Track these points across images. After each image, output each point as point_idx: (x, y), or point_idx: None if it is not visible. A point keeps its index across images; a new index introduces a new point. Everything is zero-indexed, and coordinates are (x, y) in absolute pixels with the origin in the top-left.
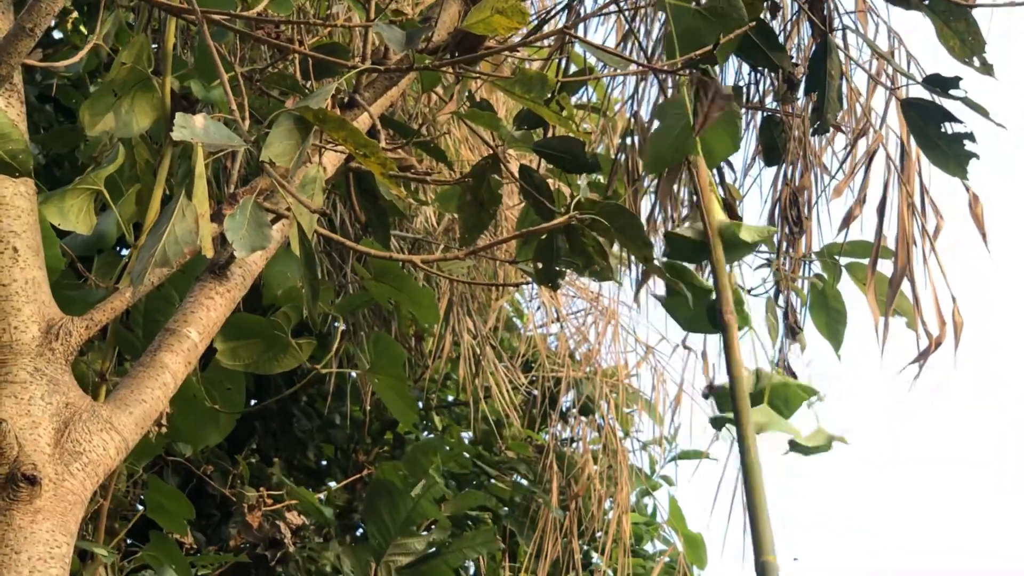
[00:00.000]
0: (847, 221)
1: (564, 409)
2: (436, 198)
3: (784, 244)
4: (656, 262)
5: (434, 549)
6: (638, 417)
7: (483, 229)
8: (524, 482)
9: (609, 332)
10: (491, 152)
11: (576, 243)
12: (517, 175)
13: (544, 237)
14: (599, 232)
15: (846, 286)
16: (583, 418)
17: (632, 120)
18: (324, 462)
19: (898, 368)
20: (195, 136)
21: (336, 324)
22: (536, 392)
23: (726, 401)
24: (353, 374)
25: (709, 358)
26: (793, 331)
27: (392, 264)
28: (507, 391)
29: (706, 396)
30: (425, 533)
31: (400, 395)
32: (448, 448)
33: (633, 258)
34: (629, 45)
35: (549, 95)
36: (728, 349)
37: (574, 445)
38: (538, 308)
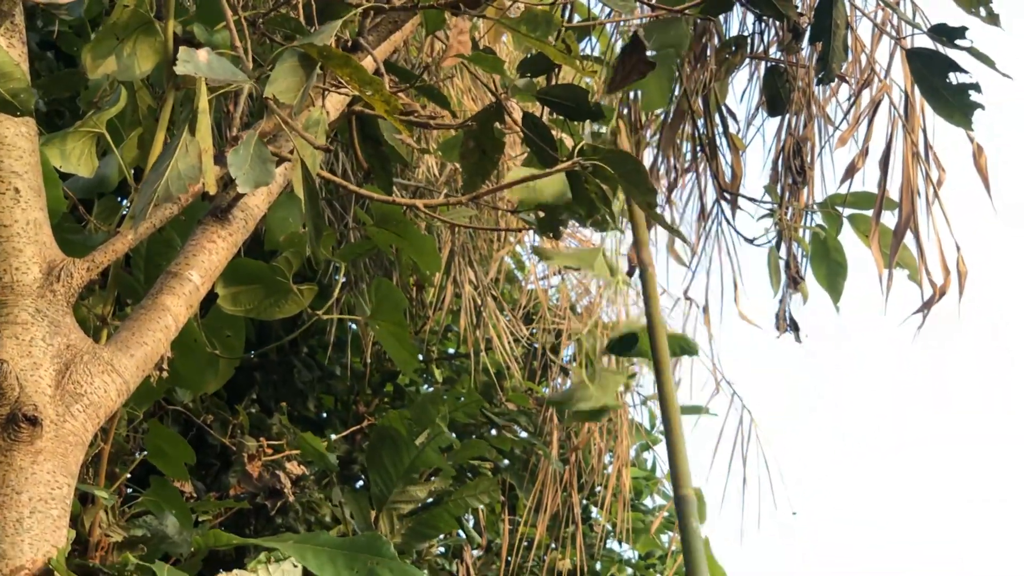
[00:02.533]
0: (850, 172)
1: (565, 362)
2: (439, 147)
3: (787, 194)
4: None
5: (436, 497)
6: (639, 371)
7: (486, 177)
8: (524, 434)
9: (611, 285)
10: (494, 99)
11: (579, 190)
12: (520, 123)
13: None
14: (602, 179)
15: (848, 237)
16: (583, 371)
17: None
18: (324, 413)
19: (902, 318)
20: (199, 70)
21: (337, 272)
22: (537, 344)
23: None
24: (353, 326)
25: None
26: (795, 281)
27: (394, 210)
28: (508, 343)
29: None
30: (427, 482)
31: (401, 342)
32: (459, 398)
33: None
34: None
35: (555, 34)
36: (647, 294)
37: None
38: (539, 260)
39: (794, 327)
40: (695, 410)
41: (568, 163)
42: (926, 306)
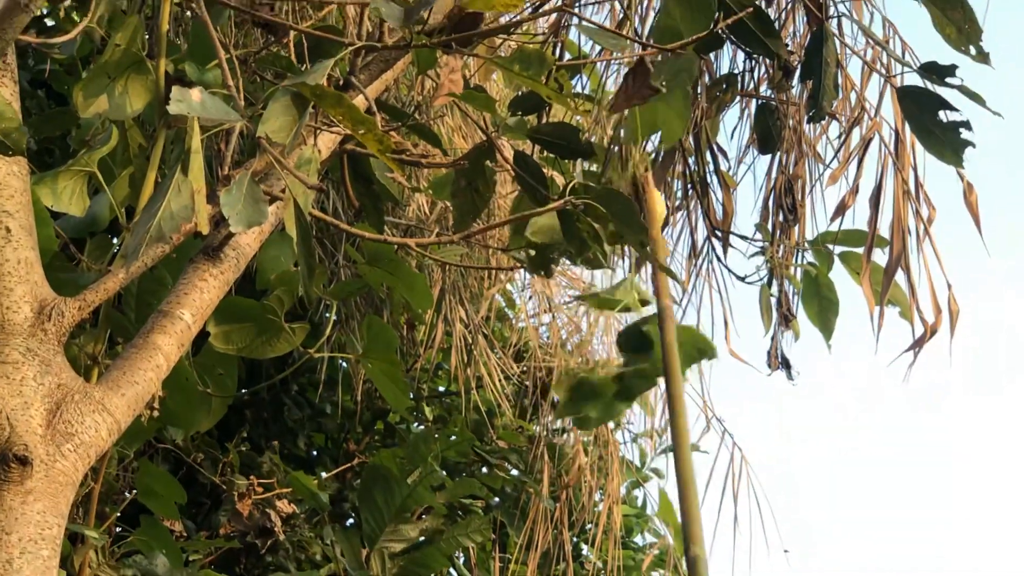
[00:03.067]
0: (840, 210)
1: (555, 399)
2: (429, 185)
3: (778, 232)
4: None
5: (428, 536)
6: (629, 408)
7: (477, 215)
8: (515, 472)
9: (601, 322)
10: (485, 138)
11: (570, 229)
12: (511, 161)
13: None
14: (594, 217)
15: (839, 275)
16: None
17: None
18: (315, 451)
19: (893, 357)
20: (191, 110)
21: (328, 311)
22: (528, 382)
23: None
24: (344, 364)
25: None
26: (786, 319)
27: (386, 248)
28: (499, 380)
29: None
30: (419, 520)
31: (393, 380)
32: (451, 437)
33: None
34: (624, 32)
35: (547, 73)
36: (665, 342)
37: (565, 436)
38: (530, 298)
39: (786, 365)
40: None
41: (560, 202)
42: (917, 344)
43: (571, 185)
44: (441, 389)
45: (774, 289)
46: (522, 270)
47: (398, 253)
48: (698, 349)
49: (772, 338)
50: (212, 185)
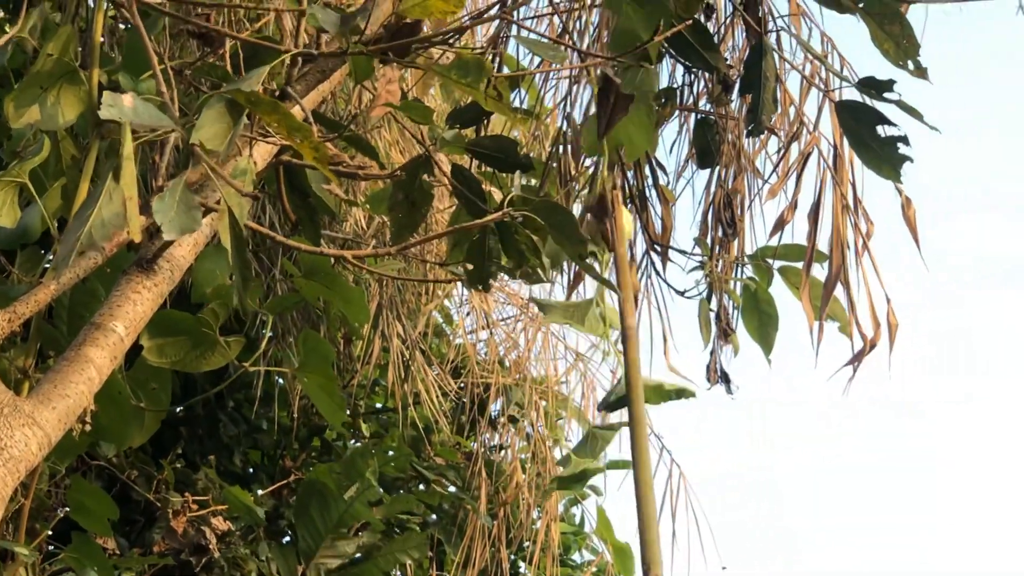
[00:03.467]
0: (779, 225)
1: (493, 416)
2: (366, 200)
3: (717, 246)
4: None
5: (365, 552)
6: (567, 426)
7: (415, 229)
8: (452, 489)
9: (539, 339)
10: (423, 151)
11: (509, 241)
12: (449, 174)
13: (476, 237)
14: (532, 229)
15: (779, 290)
16: (512, 426)
17: (565, 122)
18: (251, 468)
19: (832, 371)
20: (124, 115)
21: (264, 326)
22: (465, 399)
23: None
24: (280, 380)
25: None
26: (726, 333)
27: (323, 262)
28: (436, 397)
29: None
30: (356, 536)
31: (329, 394)
32: (389, 452)
33: (564, 262)
34: (563, 47)
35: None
36: (628, 360)
37: (503, 452)
38: (468, 314)
39: (725, 379)
40: (623, 465)
41: (498, 214)
42: (857, 358)
43: (509, 197)
44: (378, 406)
45: (713, 303)
46: (460, 286)
47: (335, 267)
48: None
49: (711, 352)
50: (146, 197)
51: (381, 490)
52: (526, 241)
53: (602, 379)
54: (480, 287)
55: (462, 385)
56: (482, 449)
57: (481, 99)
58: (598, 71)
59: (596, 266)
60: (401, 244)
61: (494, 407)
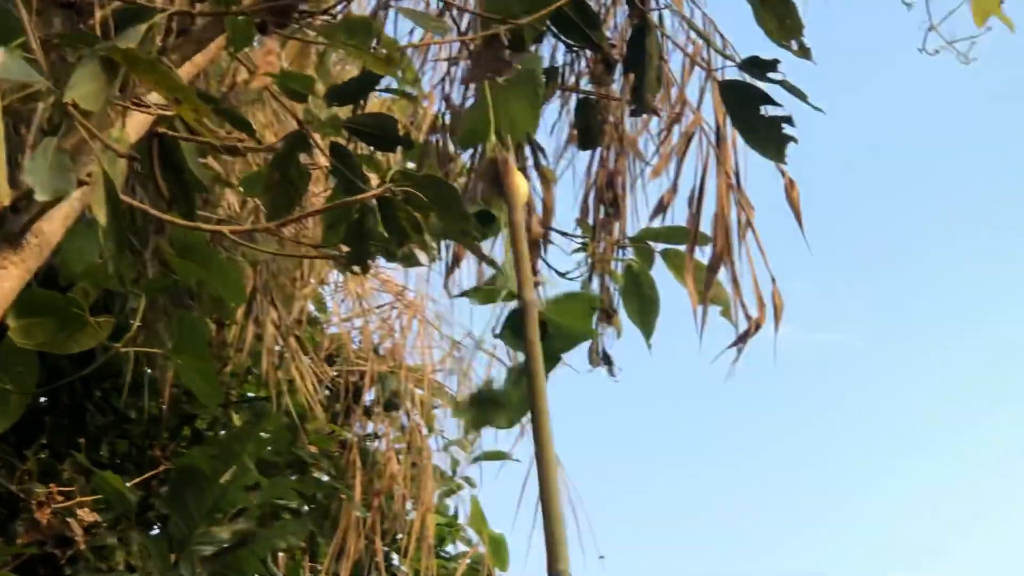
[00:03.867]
0: (660, 208)
1: (368, 404)
2: (241, 182)
3: (599, 228)
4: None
5: (241, 539)
6: (443, 414)
7: (291, 209)
8: (326, 478)
9: (415, 326)
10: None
11: (391, 219)
12: (327, 152)
13: (355, 217)
14: (414, 206)
15: (660, 273)
16: (387, 414)
17: (444, 103)
18: (119, 459)
19: (717, 352)
20: None
21: (135, 308)
22: (340, 387)
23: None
24: (149, 370)
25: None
26: (608, 316)
27: (198, 240)
28: (312, 384)
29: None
30: (232, 522)
31: (204, 376)
32: (266, 435)
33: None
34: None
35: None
36: (527, 338)
37: (377, 442)
38: (343, 300)
39: (607, 362)
40: (497, 455)
41: (379, 189)
42: (741, 340)
43: (392, 172)
44: (250, 395)
45: (595, 286)
46: (335, 272)
47: (211, 245)
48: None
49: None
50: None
51: (258, 475)
52: (408, 218)
53: (478, 368)
54: (359, 269)
55: (337, 373)
56: (356, 438)
57: (369, 61)
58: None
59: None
60: (281, 220)
61: (368, 395)
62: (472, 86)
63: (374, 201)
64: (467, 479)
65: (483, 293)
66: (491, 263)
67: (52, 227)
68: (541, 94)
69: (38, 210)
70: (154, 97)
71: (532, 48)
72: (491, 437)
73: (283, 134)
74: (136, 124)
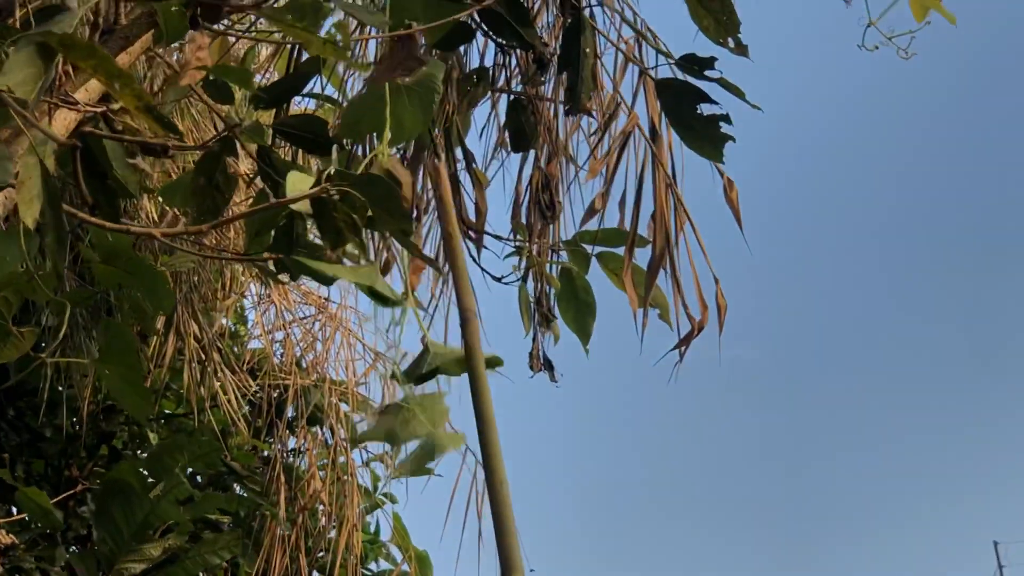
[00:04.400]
0: (591, 212)
1: (291, 419)
2: (159, 191)
3: (535, 231)
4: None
5: (171, 555)
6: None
7: (217, 215)
8: (245, 495)
9: (338, 338)
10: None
11: (326, 220)
12: (254, 155)
13: (283, 222)
14: (351, 207)
15: (595, 276)
16: (310, 429)
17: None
18: (34, 479)
19: (659, 356)
20: None
21: (52, 319)
22: (262, 401)
23: None
24: (61, 388)
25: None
26: (547, 320)
27: (123, 246)
28: (235, 399)
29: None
30: (162, 538)
31: (132, 385)
32: (196, 448)
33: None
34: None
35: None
36: (470, 347)
37: (300, 457)
38: (264, 312)
39: (548, 366)
40: (419, 471)
41: (316, 188)
42: (684, 342)
43: (327, 171)
44: (167, 412)
45: (532, 290)
46: (254, 284)
47: (136, 251)
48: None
49: (533, 339)
50: None
51: (191, 488)
52: (345, 219)
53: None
54: (287, 277)
55: (258, 387)
56: (279, 454)
57: (318, 45)
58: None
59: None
60: (213, 222)
61: (291, 410)
62: None
63: (304, 204)
64: (388, 495)
65: (357, 273)
66: (431, 263)
67: None
68: (436, 100)
69: None
70: (79, 96)
71: (461, 48)
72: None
73: (204, 140)
74: (60, 123)
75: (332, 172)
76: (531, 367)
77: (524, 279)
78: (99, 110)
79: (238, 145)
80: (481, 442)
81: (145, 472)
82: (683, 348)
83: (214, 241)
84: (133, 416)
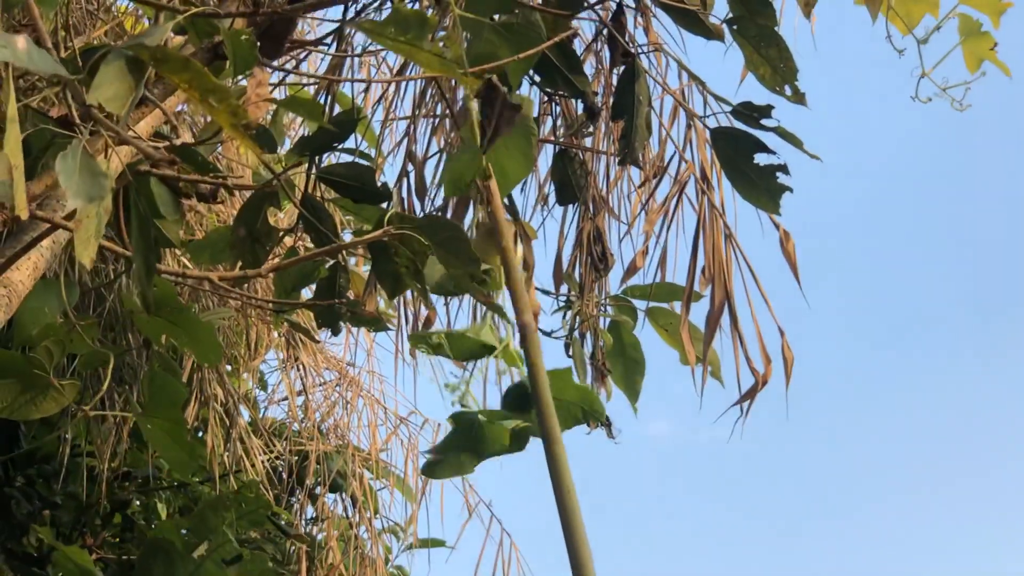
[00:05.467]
0: (631, 271)
1: (312, 486)
2: (188, 248)
3: (587, 284)
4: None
5: None
6: (389, 494)
7: (258, 267)
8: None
9: (360, 404)
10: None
11: (384, 265)
12: (298, 203)
13: (326, 275)
14: (413, 249)
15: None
16: (331, 496)
17: (408, 158)
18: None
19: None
20: (16, 59)
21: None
22: (282, 467)
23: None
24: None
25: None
26: (603, 374)
27: (168, 294)
28: (264, 463)
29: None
30: None
31: (177, 440)
32: (242, 504)
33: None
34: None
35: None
36: (532, 363)
37: (321, 526)
38: (279, 382)
39: (606, 423)
40: (435, 543)
41: (377, 232)
42: (748, 396)
43: (388, 214)
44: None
45: (587, 345)
46: (276, 349)
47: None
48: (584, 410)
49: None
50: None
51: (238, 546)
52: (407, 263)
53: (425, 442)
54: (330, 329)
55: (279, 454)
56: (300, 521)
57: (424, 60)
58: (482, 79)
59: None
60: (270, 265)
61: (312, 477)
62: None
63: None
64: (399, 568)
65: (456, 340)
66: (498, 310)
67: (21, 276)
68: (535, 142)
69: (6, 259)
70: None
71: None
72: (436, 520)
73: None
74: (116, 163)
75: (392, 216)
76: (587, 424)
77: (573, 334)
78: (162, 145)
79: (287, 191)
80: (551, 473)
81: (189, 531)
82: (748, 403)
83: (239, 300)
84: (176, 472)
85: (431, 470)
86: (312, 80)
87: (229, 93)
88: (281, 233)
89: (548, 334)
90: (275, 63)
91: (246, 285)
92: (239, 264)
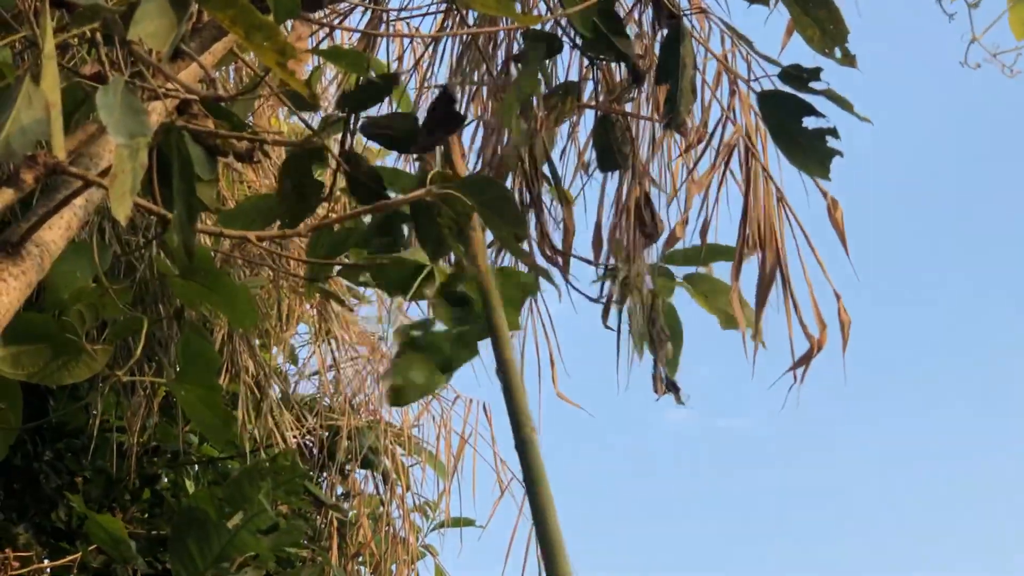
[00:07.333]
0: (671, 240)
1: (343, 462)
2: (219, 217)
3: (635, 251)
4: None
5: None
6: (420, 471)
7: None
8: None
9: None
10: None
11: (427, 227)
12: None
13: (384, 237)
14: (456, 210)
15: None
16: (360, 472)
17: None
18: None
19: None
20: None
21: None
22: (312, 443)
23: None
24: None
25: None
26: (662, 340)
27: (203, 257)
28: (296, 439)
29: None
30: (240, 571)
31: (212, 408)
32: (279, 473)
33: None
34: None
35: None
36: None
37: (352, 503)
38: (310, 355)
39: (673, 388)
40: (466, 522)
41: (422, 191)
42: (803, 361)
43: (431, 173)
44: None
45: (628, 310)
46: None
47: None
48: (519, 289)
49: (654, 361)
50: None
51: (274, 515)
52: (449, 224)
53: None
54: (400, 294)
55: (309, 428)
56: (332, 500)
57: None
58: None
59: None
60: (312, 224)
61: (344, 454)
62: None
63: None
64: (428, 547)
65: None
66: (542, 272)
67: (53, 235)
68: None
69: (38, 217)
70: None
71: (547, 62)
72: (469, 498)
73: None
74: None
75: (434, 175)
76: (655, 390)
77: (621, 301)
78: (201, 96)
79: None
80: (530, 501)
81: (223, 500)
82: (803, 369)
83: (270, 267)
84: (211, 441)
85: (396, 397)
86: (350, 36)
87: (277, 30)
88: (327, 190)
89: (595, 300)
90: (314, 17)
91: (280, 251)
92: (277, 224)
